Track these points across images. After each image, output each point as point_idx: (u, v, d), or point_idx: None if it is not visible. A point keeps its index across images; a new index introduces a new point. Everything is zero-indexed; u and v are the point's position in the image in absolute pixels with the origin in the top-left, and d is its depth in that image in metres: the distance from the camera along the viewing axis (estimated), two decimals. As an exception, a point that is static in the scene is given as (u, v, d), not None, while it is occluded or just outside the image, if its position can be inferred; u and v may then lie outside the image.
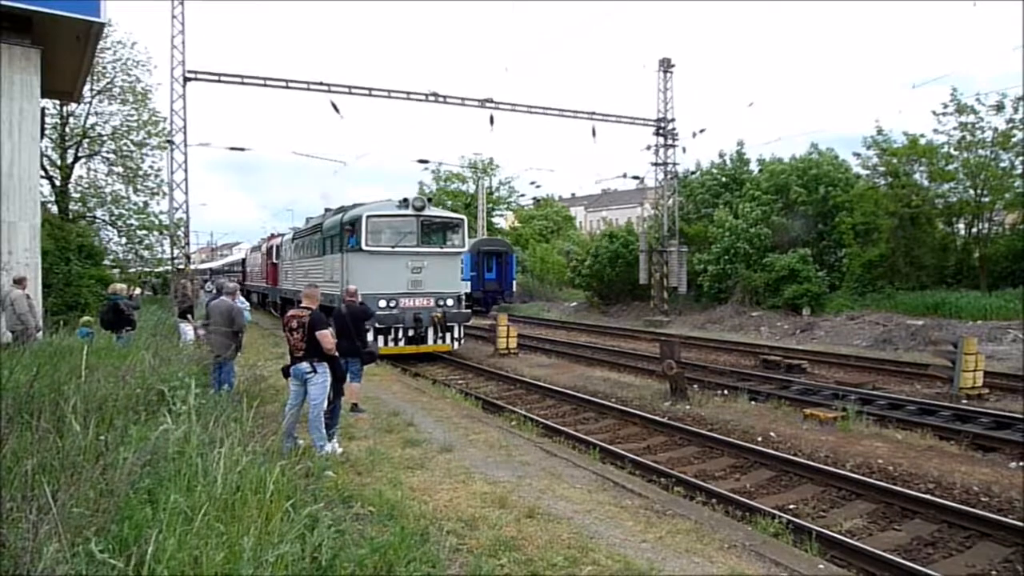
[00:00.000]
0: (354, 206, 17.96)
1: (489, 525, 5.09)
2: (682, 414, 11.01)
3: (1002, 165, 23.74)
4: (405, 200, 16.73)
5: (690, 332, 24.07)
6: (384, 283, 15.85)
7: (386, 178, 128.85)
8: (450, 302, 16.71)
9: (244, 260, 43.26)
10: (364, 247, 15.88)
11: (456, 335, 17.00)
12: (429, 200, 18.07)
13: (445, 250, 17.14)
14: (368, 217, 16.10)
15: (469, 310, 18.40)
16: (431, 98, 25.58)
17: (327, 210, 21.12)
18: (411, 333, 16.25)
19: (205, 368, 9.08)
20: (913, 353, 17.76)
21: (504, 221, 55.05)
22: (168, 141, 23.84)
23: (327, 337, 6.79)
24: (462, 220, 18.05)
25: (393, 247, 16.18)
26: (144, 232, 24.97)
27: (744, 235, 28.16)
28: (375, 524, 4.80)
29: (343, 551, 3.91)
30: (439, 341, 16.65)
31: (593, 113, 27.86)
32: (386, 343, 15.99)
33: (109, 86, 24.83)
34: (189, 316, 13.76)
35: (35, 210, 12.64)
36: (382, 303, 15.64)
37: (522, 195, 54.87)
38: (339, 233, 17.15)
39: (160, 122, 25.58)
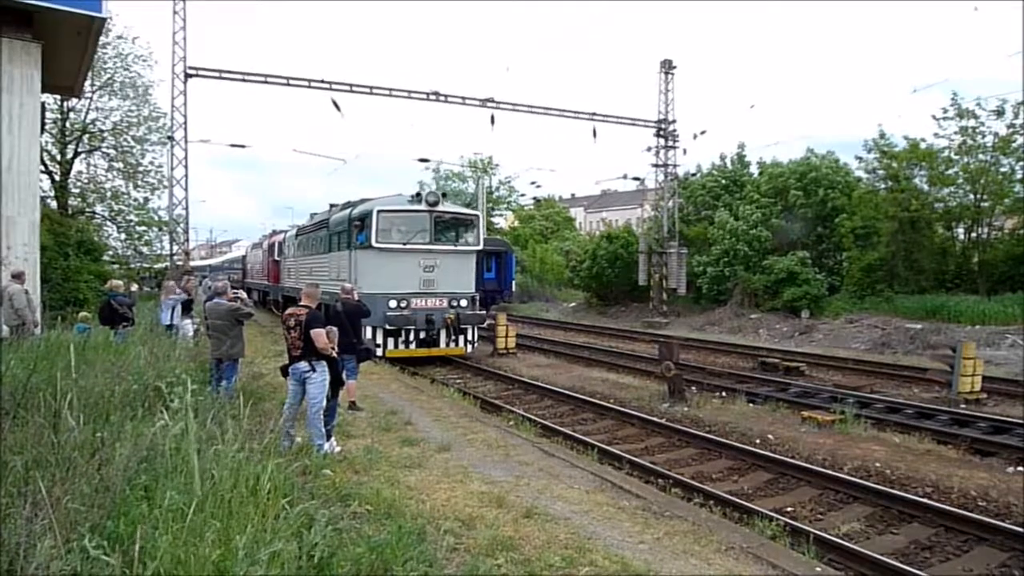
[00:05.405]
0: (361, 201, 17.24)
1: (486, 525, 5.07)
2: (680, 416, 10.99)
3: (1002, 170, 23.81)
4: (418, 195, 15.85)
5: (689, 334, 24.08)
6: (395, 282, 15.06)
7: (386, 177, 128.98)
8: (464, 303, 15.82)
9: (244, 257, 43.08)
10: (374, 244, 15.05)
11: (470, 337, 16.25)
12: (443, 196, 17.06)
13: (459, 248, 16.20)
14: (379, 212, 15.23)
15: (484, 311, 17.59)
16: (432, 97, 25.57)
17: (332, 205, 20.58)
18: (423, 335, 15.41)
19: (202, 365, 9.05)
20: (912, 357, 17.75)
21: (504, 221, 54.96)
22: (168, 137, 23.84)
23: (321, 337, 6.72)
24: (477, 216, 17.19)
25: (405, 244, 15.32)
26: (143, 228, 24.95)
27: (744, 237, 28.18)
28: (372, 523, 4.78)
29: (340, 549, 3.90)
30: (452, 344, 15.84)
31: (594, 114, 27.85)
32: (396, 346, 15.29)
33: (110, 81, 24.83)
34: (190, 312, 13.72)
35: (34, 205, 12.61)
36: (392, 303, 14.84)
37: (522, 195, 54.81)
38: (347, 229, 16.38)
39: (160, 118, 25.61)
